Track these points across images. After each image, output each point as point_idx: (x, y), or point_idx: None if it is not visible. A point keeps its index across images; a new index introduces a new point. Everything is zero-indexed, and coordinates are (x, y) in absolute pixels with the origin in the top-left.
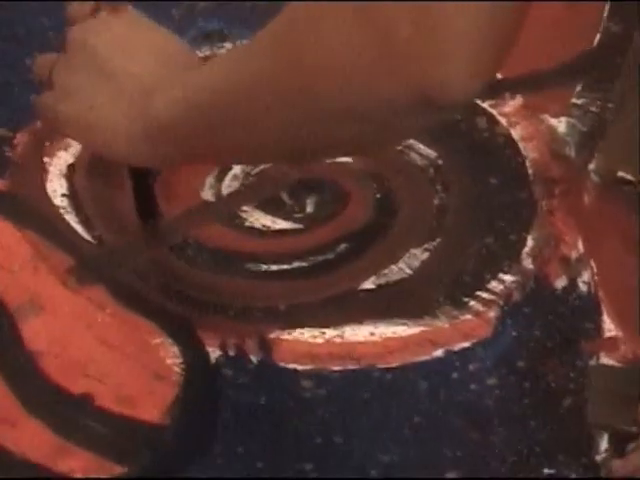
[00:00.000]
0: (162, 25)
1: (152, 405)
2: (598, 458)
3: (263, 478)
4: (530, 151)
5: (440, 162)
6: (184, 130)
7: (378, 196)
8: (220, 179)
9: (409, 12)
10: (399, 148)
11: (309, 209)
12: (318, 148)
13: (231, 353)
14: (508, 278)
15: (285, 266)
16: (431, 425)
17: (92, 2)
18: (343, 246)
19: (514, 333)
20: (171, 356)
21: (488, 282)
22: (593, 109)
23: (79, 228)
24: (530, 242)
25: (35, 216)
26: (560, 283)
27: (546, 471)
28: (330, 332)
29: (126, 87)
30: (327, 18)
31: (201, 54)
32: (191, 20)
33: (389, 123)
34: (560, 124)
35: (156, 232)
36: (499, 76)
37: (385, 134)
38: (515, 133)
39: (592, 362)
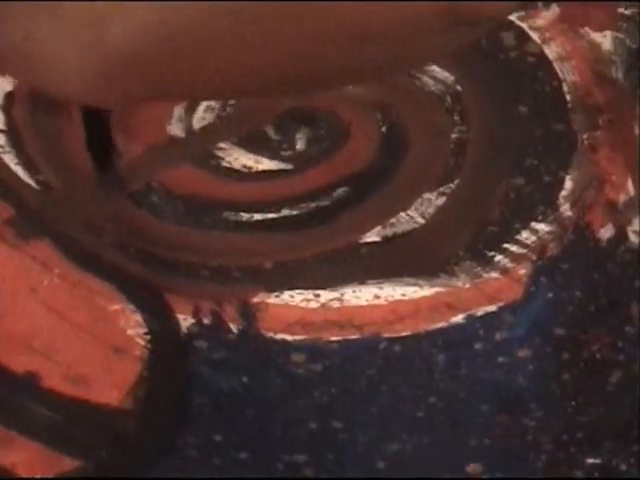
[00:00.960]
0: None
1: (111, 385)
2: None
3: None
4: (568, 73)
5: (458, 88)
6: (153, 60)
7: (384, 129)
8: (191, 110)
9: None
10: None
11: (300, 146)
12: (326, 74)
13: (206, 321)
14: (542, 227)
15: (271, 215)
16: (450, 407)
17: None
18: (342, 190)
19: (550, 294)
20: (133, 326)
21: (518, 233)
22: None
23: (20, 171)
24: (569, 184)
25: None
26: (605, 233)
27: (590, 461)
28: (326, 295)
29: (71, 12)
30: None
31: None
32: None
33: (411, 43)
34: (605, 40)
35: (113, 175)
36: None
37: (405, 56)
38: (550, 51)
39: None
